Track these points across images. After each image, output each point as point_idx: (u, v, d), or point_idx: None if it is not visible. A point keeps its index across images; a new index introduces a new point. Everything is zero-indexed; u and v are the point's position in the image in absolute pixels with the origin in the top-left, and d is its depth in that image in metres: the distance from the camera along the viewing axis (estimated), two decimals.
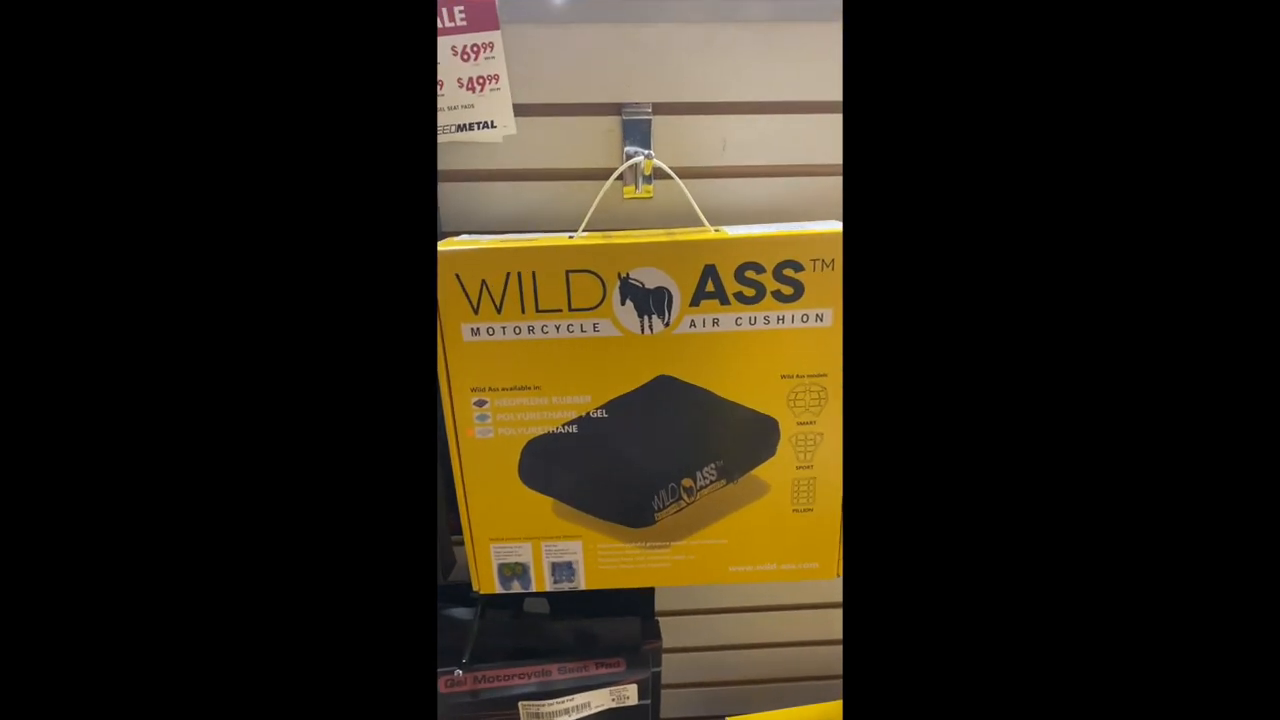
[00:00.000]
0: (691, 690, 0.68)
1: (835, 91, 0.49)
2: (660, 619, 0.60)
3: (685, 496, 0.46)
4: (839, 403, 0.45)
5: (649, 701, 0.52)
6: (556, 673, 0.51)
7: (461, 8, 0.45)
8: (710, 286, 0.42)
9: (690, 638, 0.66)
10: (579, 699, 0.50)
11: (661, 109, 0.48)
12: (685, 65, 0.48)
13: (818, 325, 0.43)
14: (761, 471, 0.46)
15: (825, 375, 0.44)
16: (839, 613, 0.65)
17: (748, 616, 0.65)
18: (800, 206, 0.51)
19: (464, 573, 0.56)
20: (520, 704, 0.50)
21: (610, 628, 0.54)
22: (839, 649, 0.67)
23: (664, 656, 0.63)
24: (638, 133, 0.48)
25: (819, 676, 0.68)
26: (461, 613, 0.55)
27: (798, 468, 0.46)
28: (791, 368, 0.44)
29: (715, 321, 0.43)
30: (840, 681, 0.67)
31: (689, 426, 0.45)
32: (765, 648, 0.67)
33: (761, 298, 0.42)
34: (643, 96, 0.48)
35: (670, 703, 0.68)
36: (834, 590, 0.65)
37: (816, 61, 0.48)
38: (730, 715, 0.61)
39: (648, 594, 0.58)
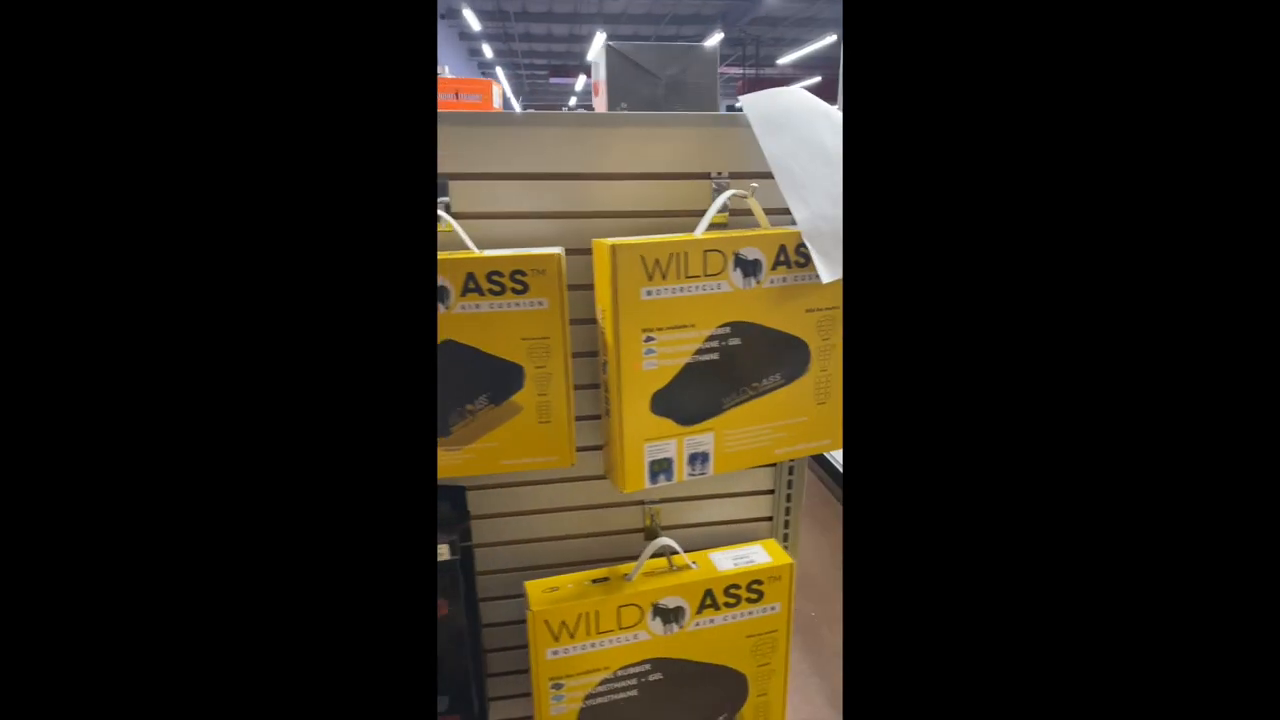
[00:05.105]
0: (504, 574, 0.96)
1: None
2: (481, 520, 0.88)
3: (469, 416, 0.75)
4: (560, 352, 0.74)
5: (458, 557, 0.80)
6: None
7: None
8: (472, 285, 0.71)
9: (501, 535, 0.94)
10: None
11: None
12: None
13: (541, 308, 0.73)
14: (516, 398, 0.75)
15: (549, 338, 0.74)
16: (610, 510, 0.95)
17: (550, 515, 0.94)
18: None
19: None
20: None
21: None
22: (610, 538, 0.96)
23: (483, 551, 0.91)
24: None
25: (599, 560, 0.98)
26: None
27: (538, 395, 0.75)
28: (528, 333, 0.73)
29: (478, 306, 0.72)
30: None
31: (468, 373, 0.73)
32: (561, 539, 0.96)
33: (504, 292, 0.72)
34: None
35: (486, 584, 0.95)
36: (588, 494, 0.94)
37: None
38: (528, 580, 0.89)
39: (460, 491, 0.86)
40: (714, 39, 10.73)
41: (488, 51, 13.85)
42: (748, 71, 13.38)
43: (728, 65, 14.43)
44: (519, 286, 0.71)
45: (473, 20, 9.35)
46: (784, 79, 14.44)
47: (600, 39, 10.97)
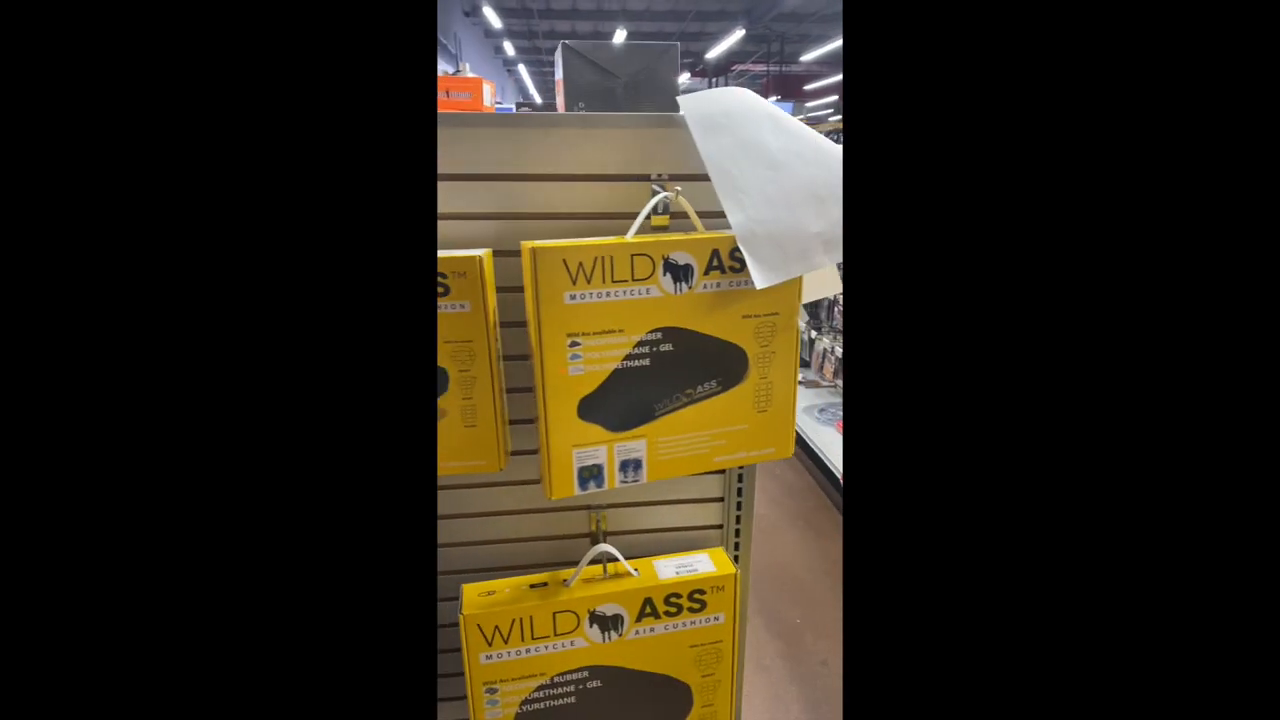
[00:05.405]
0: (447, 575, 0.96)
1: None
2: None
3: None
4: (485, 356, 0.73)
5: None
6: None
7: None
8: None
9: (445, 538, 0.94)
10: None
11: None
12: None
13: (463, 311, 0.72)
14: (440, 402, 0.75)
15: (472, 341, 0.73)
16: (558, 515, 0.94)
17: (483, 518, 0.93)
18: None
19: None
20: None
21: None
22: (558, 543, 0.96)
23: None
24: None
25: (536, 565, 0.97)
26: None
27: (463, 399, 0.75)
28: (450, 336, 0.73)
29: None
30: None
31: None
32: (508, 543, 0.95)
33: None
34: None
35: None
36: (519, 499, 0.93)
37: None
38: (465, 584, 0.89)
39: None
40: (736, 35, 10.65)
41: (510, 49, 13.92)
42: (772, 69, 13.25)
43: (752, 62, 14.32)
44: (440, 289, 0.71)
45: (493, 18, 9.40)
46: (809, 75, 14.28)
47: (620, 36, 10.96)
